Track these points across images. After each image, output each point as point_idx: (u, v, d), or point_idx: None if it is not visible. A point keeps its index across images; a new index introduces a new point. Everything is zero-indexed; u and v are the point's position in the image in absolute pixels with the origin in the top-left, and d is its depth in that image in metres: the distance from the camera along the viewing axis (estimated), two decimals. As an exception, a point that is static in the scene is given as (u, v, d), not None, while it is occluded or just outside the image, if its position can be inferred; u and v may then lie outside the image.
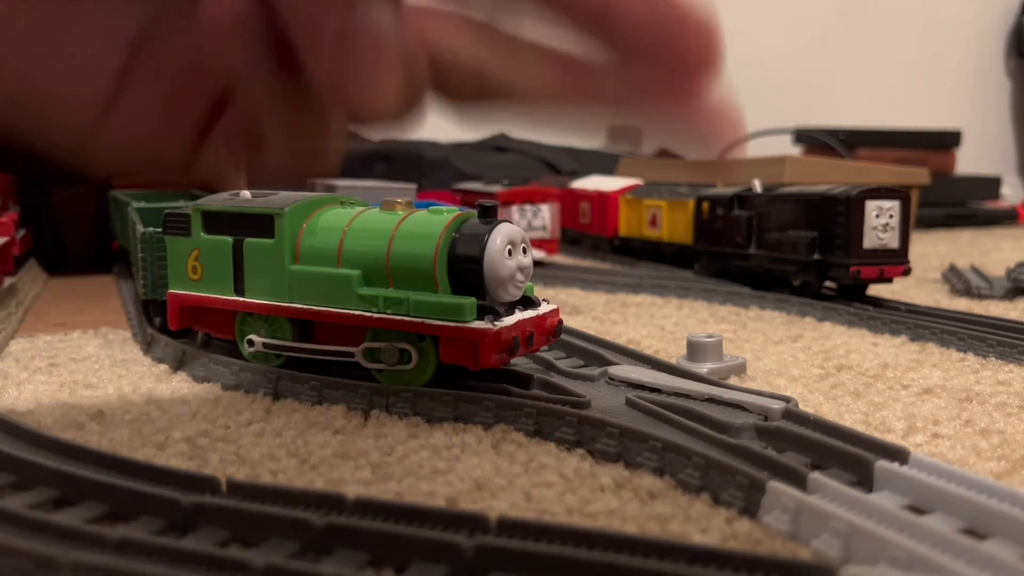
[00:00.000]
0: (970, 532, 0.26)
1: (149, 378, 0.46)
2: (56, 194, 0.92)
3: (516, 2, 0.24)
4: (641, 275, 0.82)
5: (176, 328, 0.47)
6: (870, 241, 0.62)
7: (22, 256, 0.74)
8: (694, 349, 0.47)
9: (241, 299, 0.44)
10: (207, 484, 0.28)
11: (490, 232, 0.39)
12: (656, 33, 0.23)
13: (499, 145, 1.44)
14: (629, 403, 0.38)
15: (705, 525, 0.28)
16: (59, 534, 0.25)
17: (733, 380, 0.45)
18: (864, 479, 0.30)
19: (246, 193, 0.45)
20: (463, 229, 0.40)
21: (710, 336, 0.48)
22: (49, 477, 0.29)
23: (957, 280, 0.78)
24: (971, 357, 0.51)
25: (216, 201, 0.45)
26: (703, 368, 0.46)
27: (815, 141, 1.47)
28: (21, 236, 0.73)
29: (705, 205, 0.81)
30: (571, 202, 1.08)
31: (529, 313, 0.40)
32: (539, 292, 0.43)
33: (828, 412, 0.40)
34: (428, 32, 0.25)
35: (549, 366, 0.44)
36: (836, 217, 0.63)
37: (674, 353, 0.51)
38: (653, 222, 0.93)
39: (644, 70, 0.24)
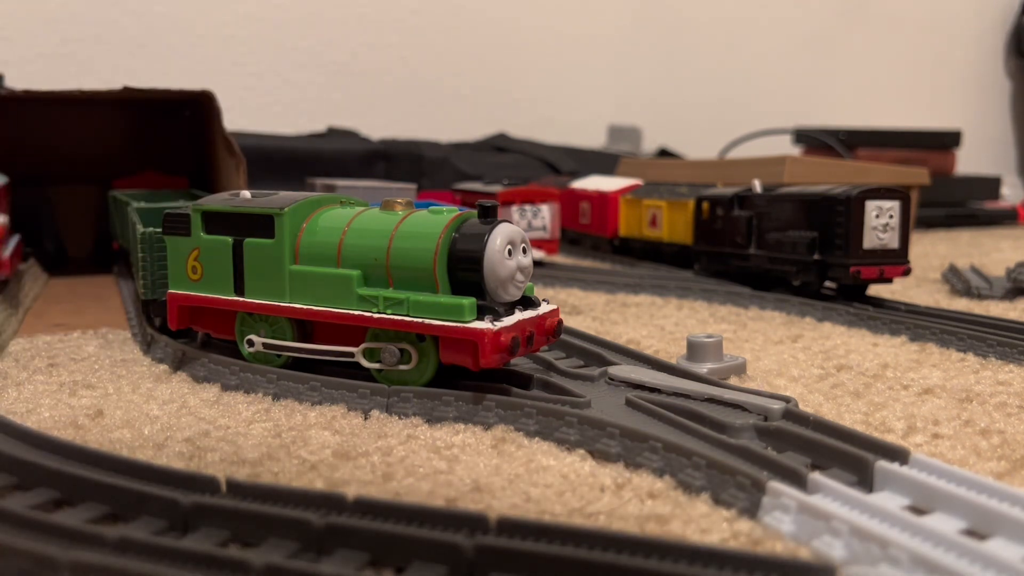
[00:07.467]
0: (971, 532, 0.26)
1: (149, 378, 0.46)
2: (56, 194, 0.92)
3: None
4: (641, 275, 0.82)
5: (176, 328, 0.47)
6: (870, 241, 0.62)
7: (10, 277, 0.66)
8: (694, 349, 0.47)
9: (241, 299, 0.44)
10: (207, 484, 0.28)
11: (490, 232, 0.39)
12: None
13: (499, 145, 1.44)
14: (629, 403, 0.38)
15: (705, 525, 0.28)
16: (59, 534, 0.25)
17: (733, 380, 0.45)
18: (864, 479, 0.30)
19: (246, 193, 0.45)
20: (463, 229, 0.40)
21: (710, 336, 0.48)
22: (49, 477, 0.29)
23: (957, 280, 0.78)
24: (971, 357, 0.51)
25: (216, 201, 0.45)
26: (703, 368, 0.46)
27: (815, 141, 1.47)
28: (11, 250, 0.66)
29: (705, 205, 0.81)
30: (571, 202, 1.08)
31: (529, 313, 0.40)
32: (539, 292, 0.43)
33: (828, 412, 0.40)
34: None
35: (549, 366, 0.44)
36: (836, 217, 0.63)
37: (674, 353, 0.51)
38: (653, 222, 0.93)
39: None
